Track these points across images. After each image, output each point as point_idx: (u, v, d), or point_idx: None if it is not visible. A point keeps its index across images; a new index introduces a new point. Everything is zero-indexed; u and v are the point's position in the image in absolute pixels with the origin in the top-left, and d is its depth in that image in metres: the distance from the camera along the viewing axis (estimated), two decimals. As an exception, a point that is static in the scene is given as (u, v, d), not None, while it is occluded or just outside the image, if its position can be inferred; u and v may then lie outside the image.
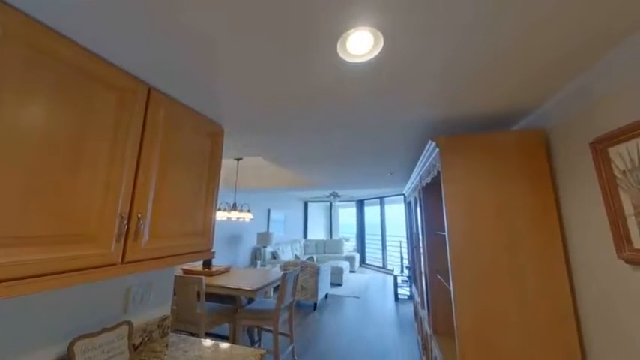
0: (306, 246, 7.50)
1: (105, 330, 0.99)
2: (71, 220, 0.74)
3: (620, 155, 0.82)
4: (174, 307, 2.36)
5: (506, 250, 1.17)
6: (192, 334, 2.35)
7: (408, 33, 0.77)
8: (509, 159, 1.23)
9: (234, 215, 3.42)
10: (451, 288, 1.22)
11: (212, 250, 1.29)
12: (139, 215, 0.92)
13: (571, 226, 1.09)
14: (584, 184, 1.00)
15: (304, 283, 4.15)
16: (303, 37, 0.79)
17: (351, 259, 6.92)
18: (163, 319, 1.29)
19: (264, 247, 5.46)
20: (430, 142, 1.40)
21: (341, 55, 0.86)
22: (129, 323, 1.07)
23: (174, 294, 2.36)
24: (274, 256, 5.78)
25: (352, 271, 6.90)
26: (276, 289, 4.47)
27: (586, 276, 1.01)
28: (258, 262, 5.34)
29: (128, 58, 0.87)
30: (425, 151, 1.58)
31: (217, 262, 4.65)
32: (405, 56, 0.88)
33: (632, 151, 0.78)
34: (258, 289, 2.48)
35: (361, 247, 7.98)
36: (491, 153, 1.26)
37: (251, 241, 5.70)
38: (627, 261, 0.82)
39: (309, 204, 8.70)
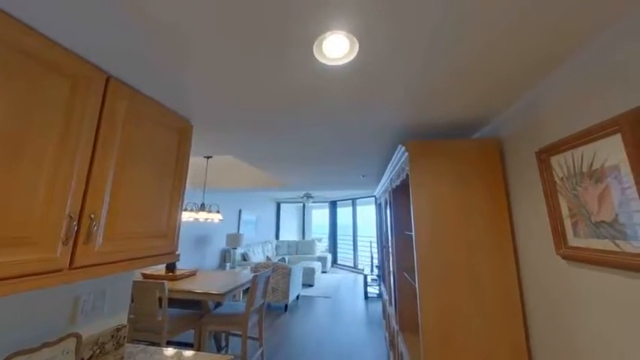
0: (278, 247, 7.40)
1: (46, 344, 0.88)
2: (7, 220, 0.65)
3: (559, 164, 0.93)
4: (132, 316, 2.18)
5: (466, 249, 1.26)
6: (154, 344, 2.18)
7: (380, 40, 0.80)
8: (469, 164, 1.34)
9: (203, 216, 3.25)
10: (417, 285, 1.29)
11: (177, 252, 1.22)
12: (92, 215, 0.84)
13: (520, 226, 1.21)
14: (531, 188, 1.12)
15: (276, 284, 4.09)
16: (277, 36, 0.78)
17: (323, 259, 6.97)
18: (118, 329, 1.18)
19: (234, 248, 5.28)
20: (400, 146, 1.46)
21: (317, 57, 0.87)
22: (77, 336, 0.96)
23: (132, 301, 2.17)
24: (245, 257, 5.61)
25: (324, 272, 6.95)
26: (246, 291, 4.34)
27: (531, 272, 1.13)
28: (228, 264, 5.14)
29: (82, 42, 0.79)
30: (395, 155, 1.65)
31: (183, 266, 4.39)
32: (378, 63, 0.91)
33: (568, 160, 0.89)
34: (226, 293, 2.39)
35: (333, 247, 8.08)
36: (455, 158, 1.35)
37: (220, 243, 5.47)
38: (563, 257, 0.93)
39: (282, 205, 8.60)
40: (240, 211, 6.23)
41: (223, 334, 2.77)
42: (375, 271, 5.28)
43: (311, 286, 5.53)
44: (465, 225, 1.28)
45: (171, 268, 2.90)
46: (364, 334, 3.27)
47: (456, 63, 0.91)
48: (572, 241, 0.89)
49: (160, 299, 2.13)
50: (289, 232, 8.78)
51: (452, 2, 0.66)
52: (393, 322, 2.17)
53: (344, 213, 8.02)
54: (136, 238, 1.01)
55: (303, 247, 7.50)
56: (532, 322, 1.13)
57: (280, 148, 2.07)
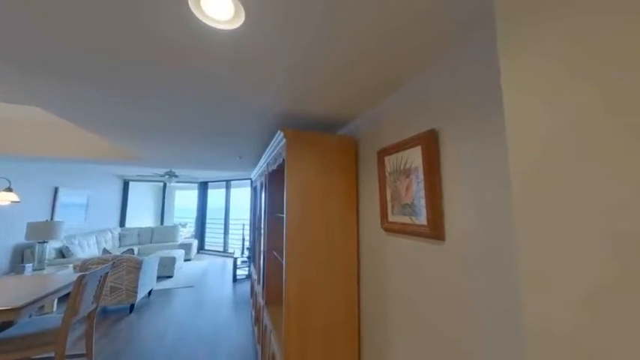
0: (123, 236, 5.91)
1: None
2: None
3: (389, 162, 1.27)
4: None
5: (325, 228, 1.50)
6: None
7: (267, 17, 0.78)
8: (333, 156, 1.57)
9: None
10: (284, 262, 1.41)
11: None
12: None
13: (362, 209, 1.57)
14: (372, 180, 1.47)
15: (117, 282, 3.28)
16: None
17: (187, 246, 6.24)
18: None
19: (43, 242, 3.73)
20: (279, 131, 1.51)
21: (194, 11, 0.73)
22: None
23: None
24: (64, 254, 4.11)
25: (187, 260, 6.26)
26: (63, 299, 3.21)
27: (365, 243, 1.51)
28: (29, 265, 3.58)
29: None
30: (274, 140, 1.69)
31: None
32: (263, 41, 0.89)
33: (393, 160, 1.23)
34: (25, 307, 1.68)
35: (201, 232, 7.39)
36: (323, 149, 1.55)
37: (13, 236, 3.71)
38: (384, 230, 1.29)
39: (131, 183, 6.85)
40: (56, 190, 4.44)
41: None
42: (246, 253, 5.31)
43: (170, 277, 4.84)
44: (325, 208, 1.52)
45: None
46: (230, 317, 3.26)
47: (331, 65, 1.03)
48: (390, 218, 1.25)
49: None
50: (142, 218, 7.19)
51: (334, 4, 0.74)
52: (260, 299, 2.28)
53: (216, 195, 7.45)
54: None
55: (161, 234, 6.37)
56: (362, 280, 1.51)
57: (137, 114, 1.62)
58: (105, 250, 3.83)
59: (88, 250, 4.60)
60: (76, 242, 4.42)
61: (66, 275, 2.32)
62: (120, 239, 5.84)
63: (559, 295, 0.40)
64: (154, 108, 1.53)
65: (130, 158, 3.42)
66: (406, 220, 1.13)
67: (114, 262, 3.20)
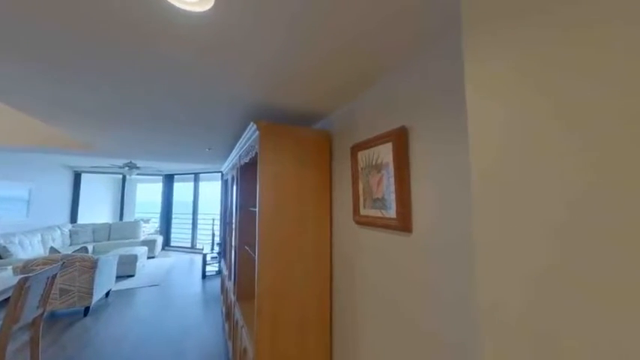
0: (75, 233, 5.36)
1: None
2: None
3: (362, 157, 1.30)
4: None
5: (299, 221, 1.50)
6: None
7: (239, 0, 0.74)
8: (307, 150, 1.57)
9: None
10: (256, 256, 1.39)
11: None
12: None
13: (335, 202, 1.59)
14: (345, 174, 1.49)
15: (68, 284, 2.98)
16: None
17: (150, 243, 5.85)
18: None
19: (-25, 241, 3.26)
20: (252, 123, 1.47)
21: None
22: None
23: None
24: (1, 254, 3.63)
25: (151, 257, 5.88)
26: (3, 304, 2.84)
27: (338, 236, 1.54)
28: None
29: None
30: (246, 132, 1.64)
31: None
32: (235, 27, 0.85)
33: (365, 156, 1.27)
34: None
35: (166, 228, 6.97)
36: (297, 143, 1.54)
37: None
38: (356, 222, 1.33)
39: (84, 175, 6.21)
40: (-11, 182, 3.87)
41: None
42: (216, 248, 5.13)
43: (132, 276, 4.52)
44: (299, 200, 1.52)
45: None
46: (199, 314, 3.15)
47: (305, 59, 1.02)
48: (362, 211, 1.29)
49: None
50: (97, 213, 6.58)
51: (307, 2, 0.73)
52: (231, 295, 2.23)
53: (183, 189, 7.04)
54: None
55: (120, 230, 5.89)
56: (335, 272, 1.55)
57: (87, 97, 1.46)
58: (53, 249, 3.45)
59: (31, 249, 4.11)
60: (16, 241, 3.92)
61: (3, 279, 2.05)
62: (71, 237, 5.29)
63: (508, 279, 0.45)
64: (107, 91, 1.39)
65: (81, 147, 3.09)
66: (377, 213, 1.17)
67: (64, 262, 2.90)
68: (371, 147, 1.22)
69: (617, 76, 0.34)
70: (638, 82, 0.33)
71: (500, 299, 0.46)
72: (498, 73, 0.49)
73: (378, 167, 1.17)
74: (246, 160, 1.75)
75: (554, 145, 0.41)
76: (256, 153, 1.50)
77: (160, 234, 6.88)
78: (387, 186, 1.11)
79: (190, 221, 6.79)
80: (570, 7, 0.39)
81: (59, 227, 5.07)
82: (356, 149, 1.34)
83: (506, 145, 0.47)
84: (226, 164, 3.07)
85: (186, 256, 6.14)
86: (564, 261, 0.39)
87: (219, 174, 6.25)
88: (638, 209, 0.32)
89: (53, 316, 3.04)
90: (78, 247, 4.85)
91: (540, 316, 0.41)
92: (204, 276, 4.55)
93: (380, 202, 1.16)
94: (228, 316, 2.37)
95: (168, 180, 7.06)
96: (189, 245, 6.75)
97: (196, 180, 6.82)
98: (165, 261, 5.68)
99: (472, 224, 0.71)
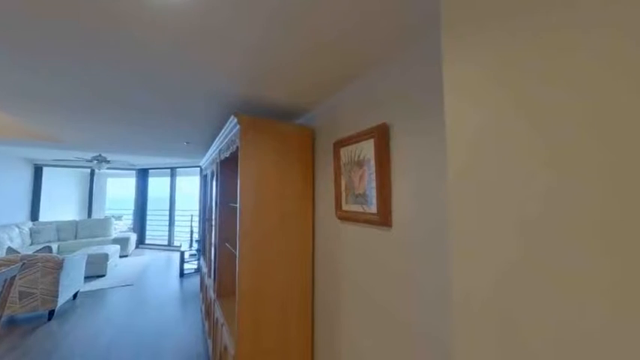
0: (36, 232, 4.96)
1: None
2: None
3: (345, 153, 1.31)
4: None
5: (281, 217, 1.49)
6: None
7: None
8: (289, 145, 1.56)
9: None
10: (237, 252, 1.37)
11: None
12: None
13: (318, 198, 1.60)
14: (328, 170, 1.50)
15: (29, 286, 2.76)
16: None
17: (123, 241, 5.55)
18: None
19: None
20: (233, 117, 1.43)
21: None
22: None
23: None
24: (-51, 255, 3.28)
25: (124, 256, 5.59)
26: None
27: (320, 231, 1.55)
28: None
29: None
30: (227, 125, 1.59)
31: None
32: (215, 15, 0.81)
33: (347, 152, 1.28)
34: None
35: (140, 225, 6.64)
36: (279, 138, 1.52)
37: None
38: (339, 218, 1.35)
39: (45, 169, 5.74)
40: None
41: None
42: (195, 245, 4.98)
43: (102, 276, 4.28)
44: (281, 197, 1.50)
45: None
46: (177, 313, 3.05)
47: (287, 54, 1.00)
48: (344, 206, 1.31)
49: None
50: (62, 210, 6.13)
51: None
52: (211, 292, 2.19)
53: (159, 184, 6.73)
54: None
55: (89, 228, 5.54)
56: (317, 267, 1.57)
57: (53, 84, 1.34)
58: (10, 250, 3.17)
59: (-15, 250, 3.75)
60: (-33, 241, 3.56)
61: (-48, 282, 1.85)
62: (32, 236, 4.89)
63: (479, 271, 0.48)
64: (73, 77, 1.28)
65: (43, 138, 2.84)
66: (358, 208, 1.20)
67: (24, 263, 2.68)
68: (353, 143, 1.24)
69: (580, 79, 0.37)
70: (598, 85, 0.35)
71: (472, 289, 0.49)
72: (473, 74, 0.51)
73: (360, 163, 1.19)
74: (227, 154, 1.70)
75: (523, 145, 0.43)
76: (237, 147, 1.46)
77: (134, 231, 6.55)
78: (368, 182, 1.14)
79: (167, 218, 6.52)
80: (542, 12, 0.42)
81: (17, 226, 4.66)
82: (338, 145, 1.35)
83: (477, 143, 0.50)
84: (205, 159, 2.97)
85: (163, 254, 5.90)
86: (528, 253, 0.42)
87: (198, 169, 6.04)
88: (595, 205, 0.35)
89: (12, 322, 2.81)
90: (40, 246, 4.50)
91: (506, 303, 0.44)
92: (182, 274, 4.41)
93: (361, 198, 1.18)
94: (208, 314, 2.32)
95: (142, 175, 6.70)
96: (165, 243, 6.49)
97: (173, 175, 6.54)
98: (140, 259, 5.43)
99: (447, 221, 0.75)
